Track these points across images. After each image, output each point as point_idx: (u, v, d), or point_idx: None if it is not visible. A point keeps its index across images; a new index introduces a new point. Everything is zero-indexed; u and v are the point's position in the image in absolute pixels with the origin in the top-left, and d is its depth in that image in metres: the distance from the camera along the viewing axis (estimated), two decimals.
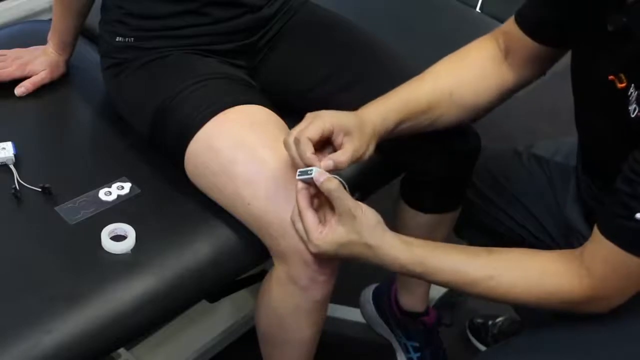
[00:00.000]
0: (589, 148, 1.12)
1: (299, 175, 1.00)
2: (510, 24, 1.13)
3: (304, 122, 1.02)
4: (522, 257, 1.02)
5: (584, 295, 0.97)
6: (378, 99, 1.10)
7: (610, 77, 0.94)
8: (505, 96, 1.17)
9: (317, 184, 0.98)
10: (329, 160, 0.99)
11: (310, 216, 1.01)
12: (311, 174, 0.98)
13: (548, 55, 1.11)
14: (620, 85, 0.93)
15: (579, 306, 0.99)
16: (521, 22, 1.11)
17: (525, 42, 1.11)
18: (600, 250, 0.95)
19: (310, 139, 0.99)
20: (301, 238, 1.04)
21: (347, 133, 1.02)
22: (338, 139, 1.02)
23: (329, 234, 1.00)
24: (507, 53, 1.14)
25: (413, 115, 1.11)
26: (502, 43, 1.15)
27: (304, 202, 1.01)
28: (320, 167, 0.99)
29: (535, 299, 1.00)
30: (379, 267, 1.02)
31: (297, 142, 1.00)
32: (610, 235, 0.93)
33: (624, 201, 0.91)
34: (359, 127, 1.03)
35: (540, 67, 1.14)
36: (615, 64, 0.94)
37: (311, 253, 1.05)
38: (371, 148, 1.05)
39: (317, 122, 1.01)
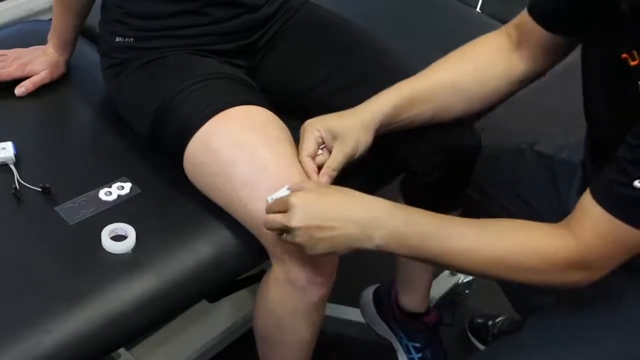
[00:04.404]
0: (597, 139, 1.12)
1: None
2: (524, 16, 1.14)
3: (301, 140, 1.10)
4: (504, 224, 1.01)
5: (566, 258, 0.95)
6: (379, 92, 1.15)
7: (624, 55, 0.94)
8: (514, 87, 1.17)
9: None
10: (324, 176, 1.08)
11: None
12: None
13: (560, 45, 1.12)
14: (633, 63, 0.93)
15: (561, 274, 0.96)
16: (535, 12, 1.12)
17: (538, 33, 1.12)
18: (588, 216, 0.94)
19: (310, 156, 1.09)
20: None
21: (335, 136, 1.10)
22: (329, 143, 1.10)
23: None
24: (518, 44, 1.15)
25: (411, 103, 1.14)
26: (514, 35, 1.16)
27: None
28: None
29: (513, 262, 0.97)
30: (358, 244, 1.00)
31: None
32: (603, 200, 0.93)
33: (623, 167, 0.90)
34: (346, 129, 1.10)
35: (551, 58, 1.14)
36: (629, 42, 0.94)
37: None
38: (362, 143, 1.10)
39: (309, 136, 1.10)
